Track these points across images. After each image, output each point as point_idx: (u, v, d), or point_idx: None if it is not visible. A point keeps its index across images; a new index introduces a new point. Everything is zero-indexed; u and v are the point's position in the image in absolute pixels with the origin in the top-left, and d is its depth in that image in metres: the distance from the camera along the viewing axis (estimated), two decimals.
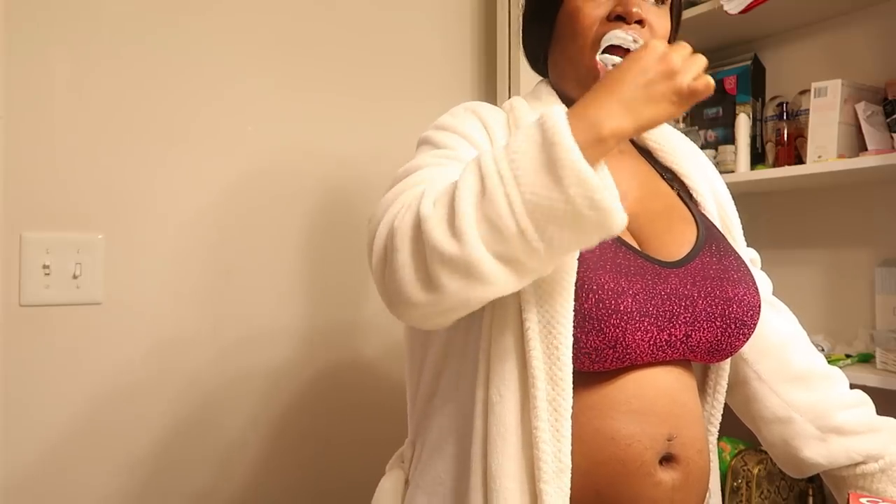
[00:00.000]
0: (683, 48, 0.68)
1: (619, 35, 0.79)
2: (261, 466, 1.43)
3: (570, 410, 0.69)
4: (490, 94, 1.74)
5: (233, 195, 1.41)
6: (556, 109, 0.63)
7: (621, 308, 0.70)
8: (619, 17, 0.81)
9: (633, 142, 0.94)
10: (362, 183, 1.55)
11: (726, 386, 0.88)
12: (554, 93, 0.89)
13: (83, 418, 1.26)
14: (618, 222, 0.61)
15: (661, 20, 0.84)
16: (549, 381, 0.69)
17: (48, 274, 1.22)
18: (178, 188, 1.35)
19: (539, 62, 0.94)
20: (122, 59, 1.30)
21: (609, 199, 0.59)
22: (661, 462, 0.73)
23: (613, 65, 0.79)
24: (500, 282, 0.62)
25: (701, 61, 0.68)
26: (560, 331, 0.69)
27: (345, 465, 1.51)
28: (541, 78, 0.95)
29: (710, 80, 0.67)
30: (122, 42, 1.30)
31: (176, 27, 1.35)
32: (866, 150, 1.35)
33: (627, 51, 0.79)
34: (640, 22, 0.81)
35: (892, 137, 1.33)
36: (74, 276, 1.24)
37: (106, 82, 1.28)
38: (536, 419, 0.69)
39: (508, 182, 0.61)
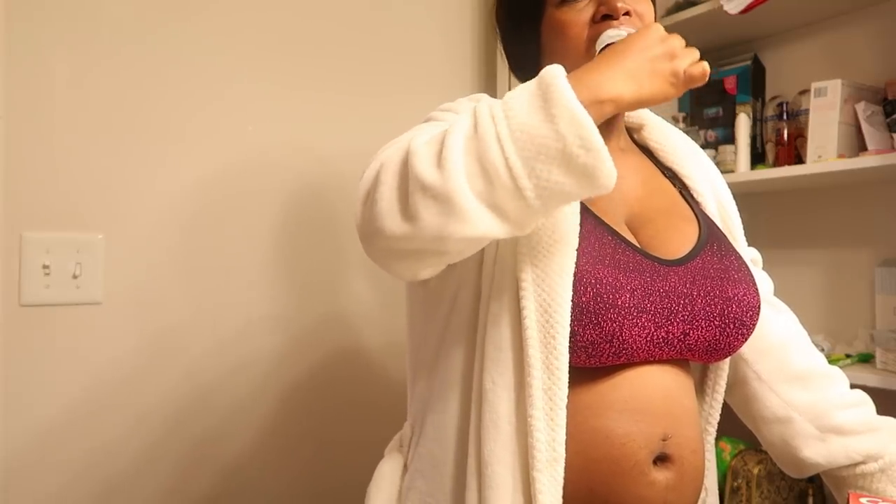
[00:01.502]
0: (679, 38, 0.69)
1: (612, 34, 0.78)
2: (257, 463, 1.43)
3: (566, 401, 0.69)
4: (490, 93, 1.74)
5: (233, 194, 1.41)
6: (554, 65, 0.63)
7: (619, 303, 0.70)
8: (605, 17, 0.80)
9: (634, 141, 0.94)
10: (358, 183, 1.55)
11: (725, 385, 0.88)
12: None
13: (83, 417, 1.26)
14: (607, 170, 0.60)
15: (644, 6, 0.84)
16: (546, 370, 0.69)
17: (48, 274, 1.22)
18: (177, 188, 1.35)
19: (527, 73, 0.92)
20: (121, 59, 1.30)
21: (601, 142, 0.59)
22: (655, 461, 0.73)
23: None
24: (477, 222, 0.61)
25: (695, 53, 0.69)
26: (557, 320, 0.69)
27: (341, 456, 1.51)
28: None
29: (706, 67, 0.67)
30: (122, 42, 1.30)
31: (175, 27, 1.35)
32: (866, 150, 1.35)
33: None
34: (627, 13, 0.81)
35: (892, 137, 1.33)
36: (74, 276, 1.24)
37: (106, 82, 1.28)
38: (531, 407, 0.69)
39: (500, 121, 0.61)
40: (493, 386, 0.71)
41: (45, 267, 1.22)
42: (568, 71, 0.84)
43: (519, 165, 0.60)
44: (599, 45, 0.79)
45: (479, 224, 0.61)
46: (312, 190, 1.50)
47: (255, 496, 1.42)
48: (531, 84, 0.63)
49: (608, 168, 0.60)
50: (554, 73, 0.62)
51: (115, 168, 1.29)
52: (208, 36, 1.39)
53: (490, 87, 1.75)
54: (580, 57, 0.81)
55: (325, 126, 1.52)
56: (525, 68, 0.93)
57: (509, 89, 1.75)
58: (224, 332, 1.40)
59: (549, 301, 0.69)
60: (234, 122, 1.41)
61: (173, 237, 1.34)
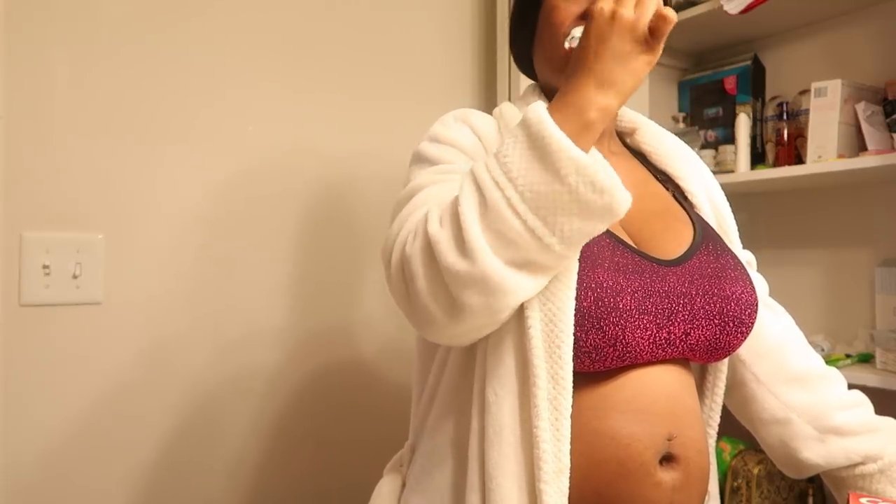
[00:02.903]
0: (626, 2, 0.66)
1: (578, 32, 0.79)
2: (259, 465, 1.43)
3: (570, 410, 0.69)
4: (490, 95, 1.74)
5: (233, 195, 1.41)
6: (535, 105, 0.64)
7: (620, 306, 0.70)
8: None
9: (626, 144, 0.94)
10: (362, 184, 1.55)
11: (724, 387, 0.88)
12: (542, 94, 0.89)
13: (83, 418, 1.26)
14: (623, 201, 0.62)
15: None
16: (551, 380, 0.69)
17: (48, 274, 1.22)
18: (178, 188, 1.35)
19: (526, 65, 0.95)
20: (121, 59, 1.30)
21: (611, 178, 0.61)
22: (660, 462, 0.72)
23: None
24: (520, 288, 0.64)
25: (650, 3, 0.66)
26: (562, 329, 0.69)
27: (343, 466, 1.51)
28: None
29: (669, 13, 0.65)
30: (122, 42, 1.30)
31: (176, 27, 1.35)
32: (866, 150, 1.35)
33: None
34: None
35: (891, 137, 1.33)
36: (74, 276, 1.24)
37: (106, 82, 1.28)
38: (537, 418, 0.68)
39: (505, 186, 0.62)
40: (496, 397, 0.71)
41: (45, 267, 1.22)
42: (551, 63, 0.85)
43: (539, 225, 0.61)
44: (568, 41, 0.80)
45: (520, 289, 0.64)
46: (312, 190, 1.50)
47: (260, 494, 1.42)
48: (519, 134, 0.63)
49: (624, 197, 0.62)
50: (540, 118, 0.62)
51: (115, 168, 1.29)
52: (209, 36, 1.39)
53: (490, 89, 1.75)
54: (558, 47, 0.83)
55: (325, 128, 1.52)
56: (521, 56, 0.94)
57: (509, 89, 1.76)
58: (226, 333, 1.39)
59: (553, 310, 0.69)
60: (234, 122, 1.41)
61: (174, 237, 1.34)
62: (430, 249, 0.64)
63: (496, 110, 0.89)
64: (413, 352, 0.90)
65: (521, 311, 0.71)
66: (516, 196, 0.61)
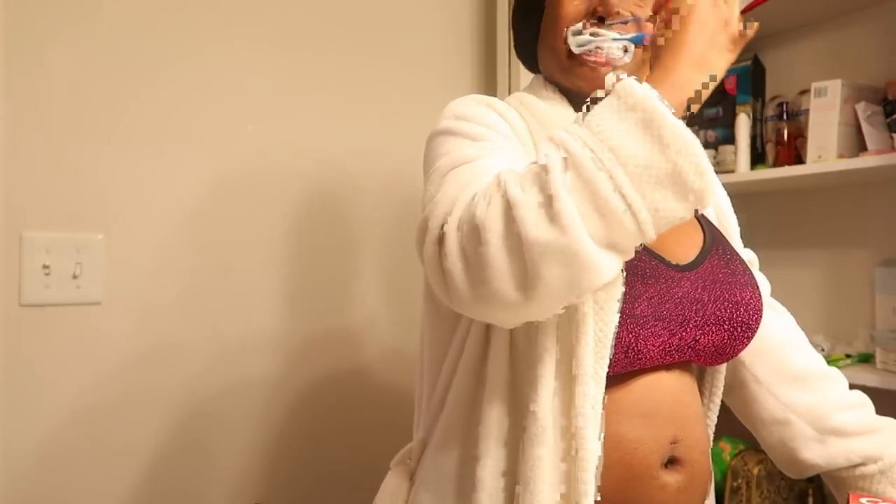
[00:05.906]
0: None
1: (582, 40, 0.80)
2: (259, 464, 1.43)
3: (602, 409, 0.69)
4: (490, 89, 1.74)
5: (233, 195, 1.41)
6: (631, 79, 0.61)
7: (636, 312, 0.70)
8: (600, 18, 0.80)
9: None
10: (362, 183, 1.55)
11: (722, 387, 0.88)
12: (549, 85, 0.88)
13: (82, 418, 1.26)
14: (713, 192, 0.59)
15: (646, 10, 0.82)
16: (592, 379, 0.68)
17: (48, 274, 1.22)
18: (178, 188, 1.35)
19: (529, 58, 0.94)
20: (121, 59, 1.30)
21: (709, 164, 0.58)
22: (665, 465, 0.72)
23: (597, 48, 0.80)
24: (604, 266, 0.58)
25: (735, 1, 0.67)
26: (610, 327, 0.68)
27: (343, 469, 1.51)
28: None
29: (756, 24, 0.67)
30: (122, 42, 1.30)
31: (175, 27, 1.35)
32: (866, 150, 1.35)
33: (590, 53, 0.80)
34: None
35: (891, 137, 1.33)
36: (74, 276, 1.24)
37: (105, 82, 1.28)
38: (583, 418, 0.67)
39: (603, 154, 0.57)
40: (537, 396, 0.68)
41: (45, 267, 1.22)
42: (553, 56, 0.85)
43: (638, 200, 0.57)
44: (573, 42, 0.81)
45: (604, 269, 0.58)
46: (313, 190, 1.50)
47: (258, 496, 1.42)
48: (616, 104, 0.59)
49: (714, 187, 0.59)
50: (645, 92, 0.58)
51: (115, 168, 1.29)
52: (207, 35, 1.38)
53: (490, 86, 1.75)
54: (561, 44, 0.83)
55: (326, 127, 1.52)
56: (525, 46, 0.93)
57: (509, 84, 1.75)
58: (226, 333, 1.39)
59: (604, 308, 0.68)
60: (234, 122, 1.41)
61: (174, 237, 1.34)
62: (509, 213, 0.58)
63: (513, 99, 0.85)
64: (416, 348, 0.89)
65: (571, 308, 0.68)
66: (617, 166, 0.57)
